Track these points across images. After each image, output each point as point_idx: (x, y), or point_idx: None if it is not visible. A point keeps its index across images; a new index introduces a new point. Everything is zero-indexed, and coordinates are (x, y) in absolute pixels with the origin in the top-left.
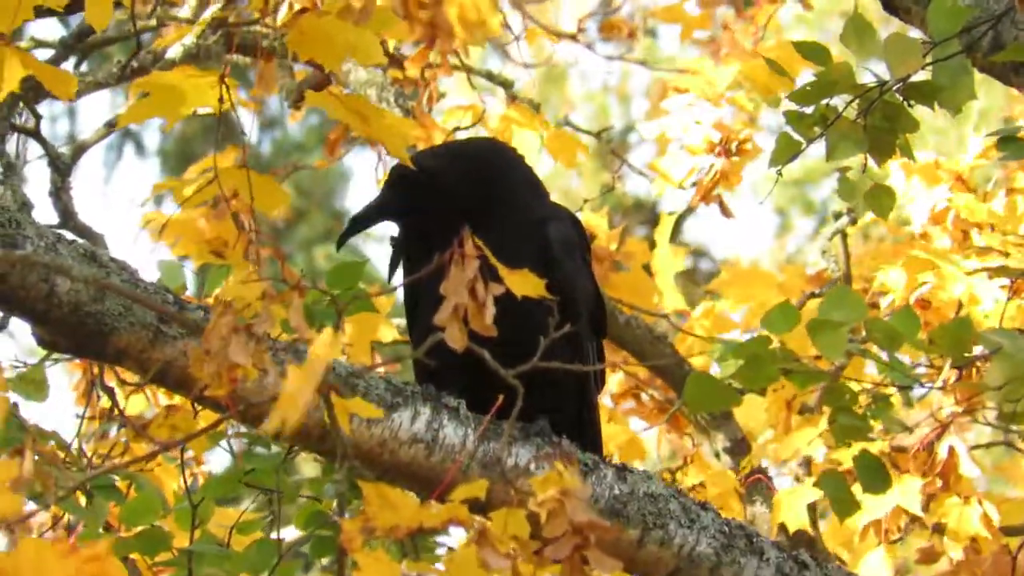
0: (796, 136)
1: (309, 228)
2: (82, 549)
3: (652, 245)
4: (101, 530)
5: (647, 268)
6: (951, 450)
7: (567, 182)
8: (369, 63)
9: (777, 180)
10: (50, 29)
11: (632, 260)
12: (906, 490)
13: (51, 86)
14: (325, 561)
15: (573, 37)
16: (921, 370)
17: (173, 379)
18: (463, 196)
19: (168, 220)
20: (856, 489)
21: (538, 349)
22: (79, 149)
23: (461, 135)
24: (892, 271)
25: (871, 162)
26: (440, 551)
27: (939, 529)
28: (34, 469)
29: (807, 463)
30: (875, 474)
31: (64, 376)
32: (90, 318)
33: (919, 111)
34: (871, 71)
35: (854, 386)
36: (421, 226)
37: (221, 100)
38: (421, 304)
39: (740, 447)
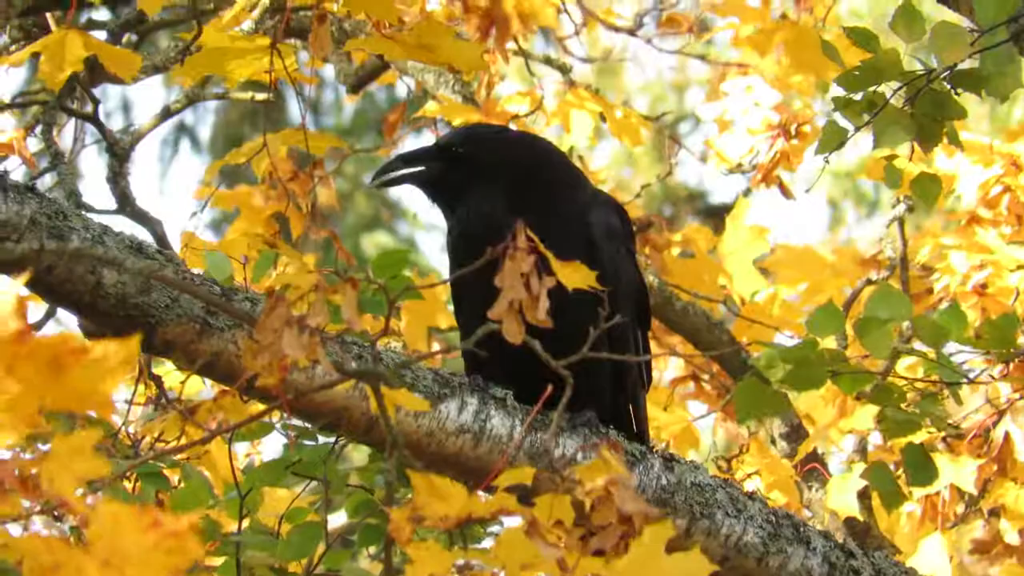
0: (843, 123)
1: (356, 215)
2: (165, 524)
3: (714, 231)
4: None
5: (708, 254)
6: (1007, 435)
7: (620, 172)
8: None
9: (823, 168)
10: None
11: (692, 246)
12: (960, 470)
13: (114, 67)
14: (372, 550)
15: (631, 32)
16: (975, 359)
17: (220, 371)
18: (503, 178)
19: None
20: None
21: (580, 339)
22: (137, 136)
23: (520, 121)
24: (951, 254)
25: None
26: (487, 542)
27: (995, 513)
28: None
29: (862, 449)
30: (922, 467)
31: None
32: (137, 310)
33: (967, 98)
34: (919, 60)
35: (903, 383)
36: (454, 200)
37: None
38: (466, 296)
39: (797, 433)
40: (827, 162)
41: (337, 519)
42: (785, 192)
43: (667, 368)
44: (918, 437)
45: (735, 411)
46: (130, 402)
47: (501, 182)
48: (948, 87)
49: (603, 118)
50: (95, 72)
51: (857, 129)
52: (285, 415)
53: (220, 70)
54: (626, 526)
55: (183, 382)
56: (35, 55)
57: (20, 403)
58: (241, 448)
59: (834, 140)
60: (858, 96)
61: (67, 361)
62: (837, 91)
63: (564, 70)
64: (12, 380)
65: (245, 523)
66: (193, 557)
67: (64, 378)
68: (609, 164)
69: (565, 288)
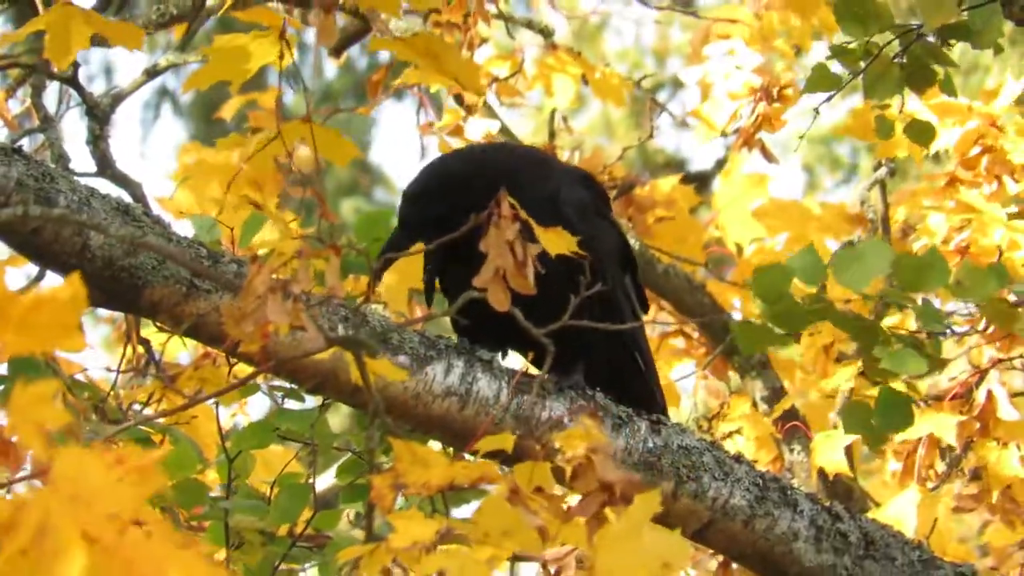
0: (835, 70)
1: (335, 180)
2: (128, 460)
3: (698, 190)
4: None
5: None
6: (989, 394)
7: (598, 138)
8: (423, 6)
9: (816, 115)
10: None
11: (674, 207)
12: (941, 423)
13: (120, 41)
14: (353, 513)
15: None
16: (958, 316)
17: (207, 333)
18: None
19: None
20: None
21: (564, 307)
22: (117, 97)
23: (499, 84)
24: (931, 216)
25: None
26: (470, 508)
27: (977, 475)
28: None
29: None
30: (897, 411)
31: (98, 329)
32: (123, 272)
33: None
34: (910, 25)
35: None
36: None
37: (281, 56)
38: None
39: (778, 396)
40: (817, 112)
41: (325, 480)
42: (767, 155)
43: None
44: (899, 385)
45: (739, 346)
46: (119, 368)
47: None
48: (939, 40)
49: (585, 81)
50: None
51: (853, 76)
52: (270, 378)
53: (232, 74)
54: (607, 494)
55: (164, 344)
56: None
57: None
58: (228, 408)
59: (823, 83)
60: (854, 44)
61: (8, 310)
62: (821, 46)
63: (546, 33)
64: None
65: (234, 487)
66: (156, 486)
67: (14, 326)
68: (588, 129)
69: (548, 258)
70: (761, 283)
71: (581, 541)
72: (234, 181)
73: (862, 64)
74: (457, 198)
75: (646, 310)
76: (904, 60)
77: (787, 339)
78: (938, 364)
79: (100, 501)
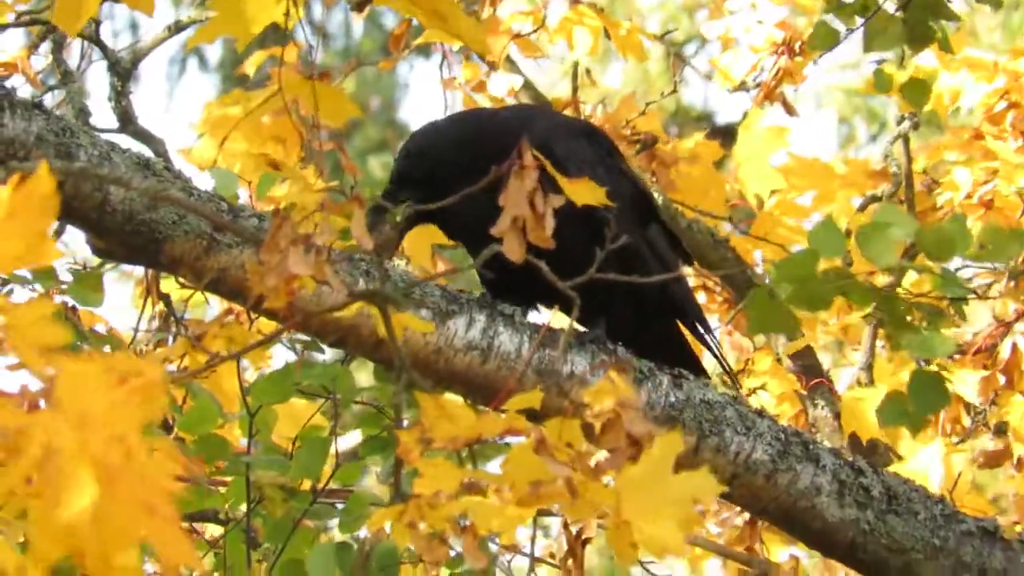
0: (835, 25)
1: (364, 138)
2: (132, 379)
3: (726, 143)
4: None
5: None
6: (1014, 347)
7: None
8: None
9: (814, 63)
10: None
11: (699, 161)
12: (963, 380)
13: (134, 4)
14: (378, 469)
15: None
16: (982, 271)
17: (227, 287)
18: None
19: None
20: None
21: (580, 259)
22: (138, 54)
23: (521, 40)
24: (955, 170)
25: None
26: (495, 463)
27: (1002, 429)
28: None
29: (868, 367)
30: (932, 390)
31: (120, 285)
32: (144, 226)
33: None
34: None
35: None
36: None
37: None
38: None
39: (802, 351)
40: (815, 63)
41: (353, 437)
42: (788, 109)
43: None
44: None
45: (747, 325)
46: (137, 323)
47: (463, 172)
48: None
49: (607, 36)
50: None
51: (850, 31)
52: (291, 332)
53: (238, 30)
54: (635, 448)
55: (187, 300)
56: None
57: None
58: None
59: (826, 40)
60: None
61: None
62: None
63: None
64: None
65: (256, 441)
66: (160, 406)
67: None
68: (623, 84)
69: (563, 211)
70: (785, 271)
71: (608, 499)
72: (257, 137)
73: (859, 20)
74: (454, 158)
75: (688, 260)
76: (904, 15)
77: (796, 325)
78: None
79: (105, 421)
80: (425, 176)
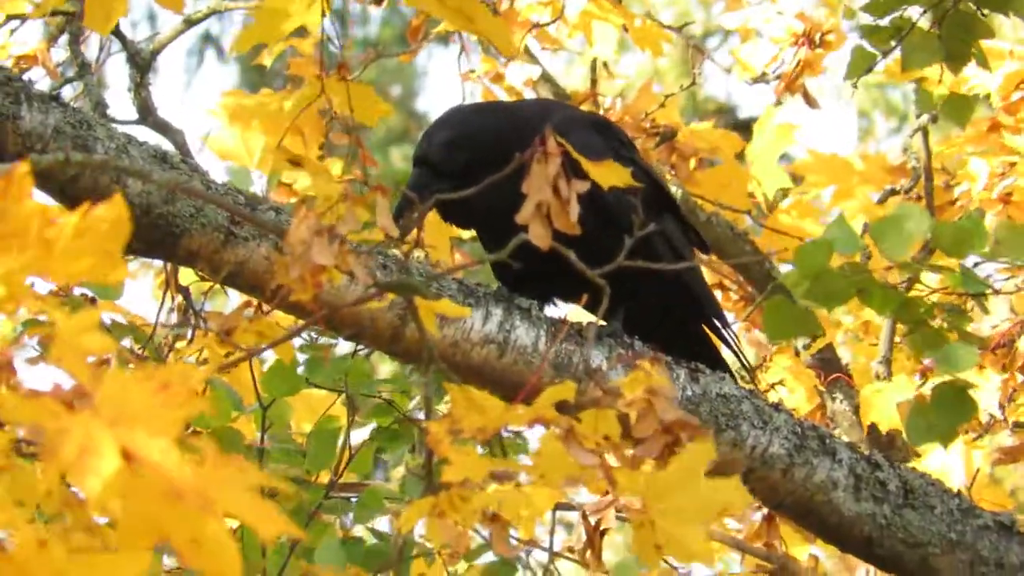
0: (871, 48)
1: (386, 128)
2: (172, 386)
3: (747, 136)
4: None
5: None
6: None
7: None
8: None
9: (853, 93)
10: None
11: (719, 154)
12: (984, 388)
13: (163, 2)
14: (404, 464)
15: None
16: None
17: (245, 281)
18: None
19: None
20: None
21: (599, 249)
22: (159, 45)
23: (540, 31)
24: (973, 160)
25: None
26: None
27: (1020, 426)
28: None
29: (887, 362)
30: (957, 403)
31: (140, 277)
32: (161, 220)
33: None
34: None
35: (928, 296)
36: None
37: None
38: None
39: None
40: (855, 87)
41: (360, 434)
42: (809, 101)
43: None
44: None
45: (764, 330)
46: (156, 317)
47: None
48: (974, 8)
49: (625, 29)
50: None
51: (885, 55)
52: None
53: (271, 36)
54: (669, 436)
55: (205, 293)
56: None
57: (9, 279)
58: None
59: (863, 64)
60: (885, 22)
61: (49, 234)
62: (865, 18)
63: None
64: None
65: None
66: (197, 411)
67: (56, 254)
68: (636, 76)
69: (583, 199)
70: (800, 262)
71: (641, 490)
72: (276, 130)
73: (892, 43)
74: (491, 149)
75: (704, 248)
76: (939, 32)
77: (816, 325)
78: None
79: (143, 423)
80: (463, 168)
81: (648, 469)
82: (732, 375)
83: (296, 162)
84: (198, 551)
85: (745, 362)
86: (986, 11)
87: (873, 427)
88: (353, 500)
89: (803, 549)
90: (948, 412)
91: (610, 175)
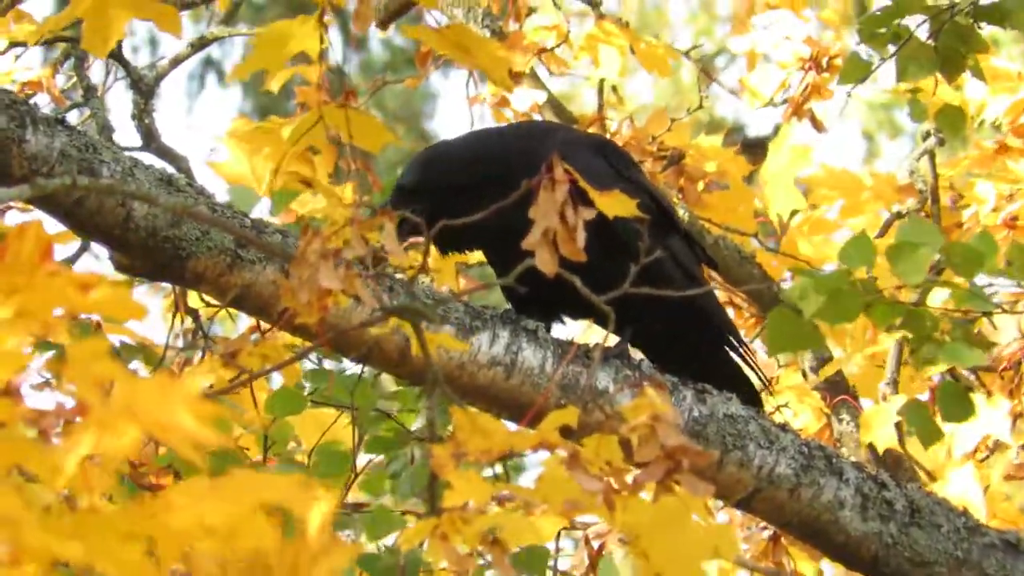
0: (866, 57)
1: (395, 150)
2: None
3: (756, 157)
4: None
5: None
6: None
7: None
8: None
9: (847, 100)
10: None
11: (727, 177)
12: (993, 415)
13: (161, 25)
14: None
15: None
16: (1007, 290)
17: (251, 304)
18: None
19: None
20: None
21: (606, 274)
22: (162, 71)
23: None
24: (979, 183)
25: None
26: (528, 477)
27: None
28: None
29: (894, 383)
30: (958, 403)
31: (149, 299)
32: (167, 243)
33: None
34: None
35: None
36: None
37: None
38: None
39: (827, 364)
40: (849, 95)
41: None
42: (816, 125)
43: None
44: (945, 366)
45: (766, 344)
46: (167, 344)
47: (476, 185)
48: (971, 21)
49: (632, 51)
50: None
51: (882, 61)
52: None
53: (272, 63)
54: (670, 461)
55: (211, 317)
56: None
57: (37, 308)
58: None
59: (857, 72)
60: (883, 29)
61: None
62: (864, 24)
63: (594, 4)
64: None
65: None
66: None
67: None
68: (655, 98)
69: (590, 225)
70: (816, 288)
71: (636, 524)
72: (282, 154)
73: (891, 49)
74: (456, 174)
75: (713, 264)
76: (936, 43)
77: (820, 340)
78: (988, 346)
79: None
80: (428, 190)
81: (648, 496)
82: (757, 394)
83: (307, 183)
84: None
85: (763, 378)
86: (983, 24)
87: (887, 449)
88: (360, 516)
89: (811, 567)
90: (950, 409)
91: (616, 204)
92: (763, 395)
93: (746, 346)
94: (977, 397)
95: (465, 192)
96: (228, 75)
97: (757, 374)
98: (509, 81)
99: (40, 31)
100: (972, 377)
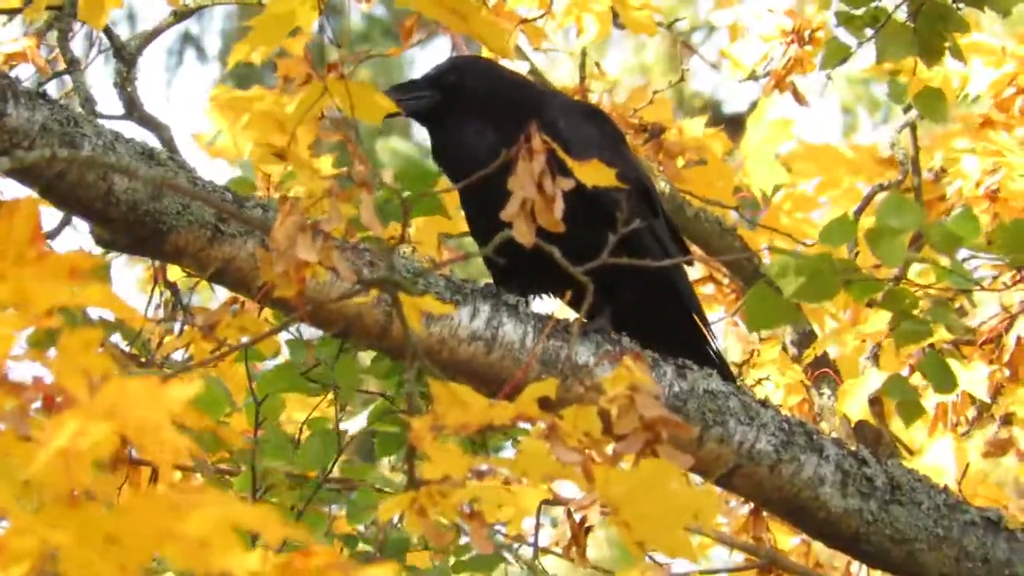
0: (845, 40)
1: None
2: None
3: (733, 132)
4: None
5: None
6: (1019, 340)
7: (632, 80)
8: None
9: (827, 83)
10: None
11: (706, 152)
12: (972, 377)
13: None
14: (392, 458)
15: None
16: (988, 263)
17: (231, 278)
18: (490, 106)
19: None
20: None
21: (586, 246)
22: (145, 38)
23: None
24: (964, 157)
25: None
26: (507, 450)
27: (1008, 420)
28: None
29: (875, 357)
30: (942, 373)
31: (127, 271)
32: (148, 217)
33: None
34: None
35: (915, 290)
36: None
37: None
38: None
39: (808, 340)
40: (829, 78)
41: (355, 424)
42: (798, 98)
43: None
44: (927, 341)
45: (746, 320)
46: (145, 311)
47: (489, 111)
48: (949, 1)
49: (615, 16)
50: None
51: (860, 44)
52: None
53: (269, 41)
54: (649, 433)
55: (192, 288)
56: None
57: (31, 301)
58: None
59: (837, 55)
60: (860, 11)
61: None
62: (841, 7)
63: None
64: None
65: (261, 432)
66: (196, 425)
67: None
68: (621, 73)
69: (569, 197)
70: (796, 268)
71: (615, 493)
72: (266, 127)
73: (868, 32)
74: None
75: (686, 253)
76: (915, 25)
77: (799, 315)
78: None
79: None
80: (453, 87)
81: (627, 467)
82: (728, 370)
83: (280, 155)
84: None
85: (726, 366)
86: (961, 5)
87: (864, 425)
88: (350, 495)
89: (792, 537)
90: (936, 379)
91: (594, 174)
92: (743, 371)
93: (711, 328)
94: (953, 363)
95: (475, 111)
96: (231, 58)
97: (720, 360)
98: (508, 48)
99: (38, 4)
100: (950, 348)
